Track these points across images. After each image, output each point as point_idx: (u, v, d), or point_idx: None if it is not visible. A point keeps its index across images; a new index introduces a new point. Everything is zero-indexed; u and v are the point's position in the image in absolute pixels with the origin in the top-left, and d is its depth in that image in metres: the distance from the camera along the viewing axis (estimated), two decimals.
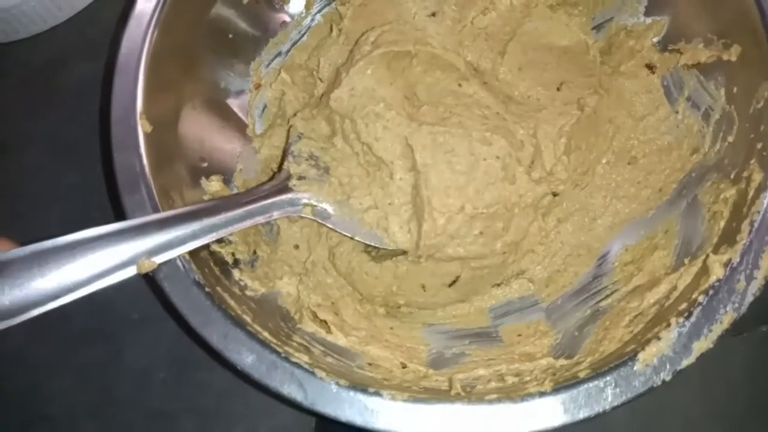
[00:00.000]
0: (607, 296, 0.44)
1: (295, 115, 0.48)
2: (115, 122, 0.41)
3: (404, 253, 0.44)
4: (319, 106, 0.47)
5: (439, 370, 0.42)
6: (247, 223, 0.41)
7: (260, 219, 0.42)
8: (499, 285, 0.48)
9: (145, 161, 0.40)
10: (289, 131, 0.47)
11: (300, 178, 0.44)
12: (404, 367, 0.43)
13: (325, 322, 0.44)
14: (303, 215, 0.44)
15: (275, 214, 0.42)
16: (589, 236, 0.48)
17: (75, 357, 0.51)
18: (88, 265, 0.34)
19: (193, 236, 0.38)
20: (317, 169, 0.45)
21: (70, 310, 0.50)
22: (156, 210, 0.39)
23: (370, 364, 0.42)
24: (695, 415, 0.47)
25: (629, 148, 0.48)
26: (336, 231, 0.45)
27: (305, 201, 0.44)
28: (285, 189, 0.43)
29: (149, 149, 0.41)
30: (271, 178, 0.46)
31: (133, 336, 0.51)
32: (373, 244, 0.44)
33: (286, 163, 0.45)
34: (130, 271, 0.36)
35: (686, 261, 0.40)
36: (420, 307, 0.47)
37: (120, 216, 0.39)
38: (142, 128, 0.40)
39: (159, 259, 0.36)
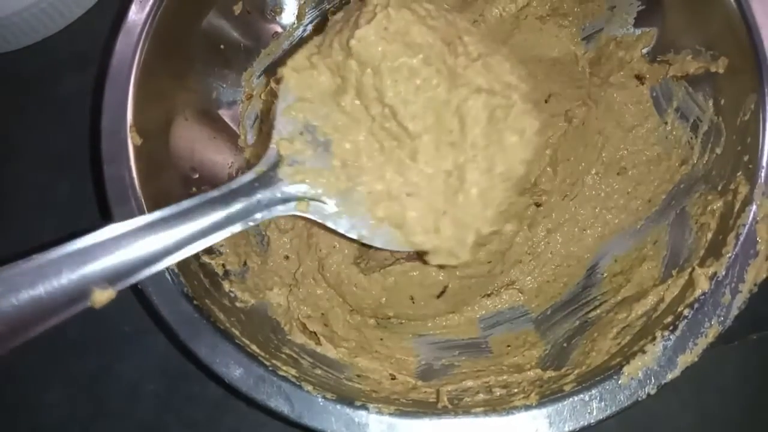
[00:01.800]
0: (596, 307, 0.44)
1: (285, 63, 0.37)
2: (105, 134, 0.41)
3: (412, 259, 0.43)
4: (320, 51, 0.36)
5: (428, 381, 0.42)
6: (224, 234, 0.34)
7: (238, 228, 0.34)
8: (489, 295, 0.48)
9: (134, 173, 0.40)
10: (269, 92, 0.38)
11: (292, 163, 0.34)
12: (393, 378, 0.43)
13: (315, 333, 0.44)
14: (297, 213, 0.36)
15: (259, 217, 0.34)
16: (578, 247, 0.48)
17: (66, 369, 0.51)
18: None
19: (159, 255, 0.31)
20: (314, 146, 0.35)
21: (61, 321, 0.51)
22: None
23: (359, 376, 0.42)
24: (687, 424, 0.48)
25: (619, 158, 0.48)
26: (337, 233, 0.37)
27: (300, 195, 0.35)
28: (273, 180, 0.35)
29: (139, 161, 0.41)
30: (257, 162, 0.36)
31: (125, 348, 0.51)
32: (383, 247, 0.36)
33: (273, 140, 0.35)
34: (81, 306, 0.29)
35: (674, 273, 0.41)
36: (409, 318, 0.47)
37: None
38: (132, 141, 0.40)
39: (118, 286, 0.30)
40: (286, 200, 0.35)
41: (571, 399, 0.35)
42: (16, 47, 0.58)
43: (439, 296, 0.45)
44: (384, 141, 0.35)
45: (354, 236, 0.36)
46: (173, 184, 0.45)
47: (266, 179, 0.35)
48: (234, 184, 0.35)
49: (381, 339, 0.46)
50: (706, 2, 0.42)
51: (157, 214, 0.33)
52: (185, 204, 0.34)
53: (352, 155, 0.35)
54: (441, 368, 0.44)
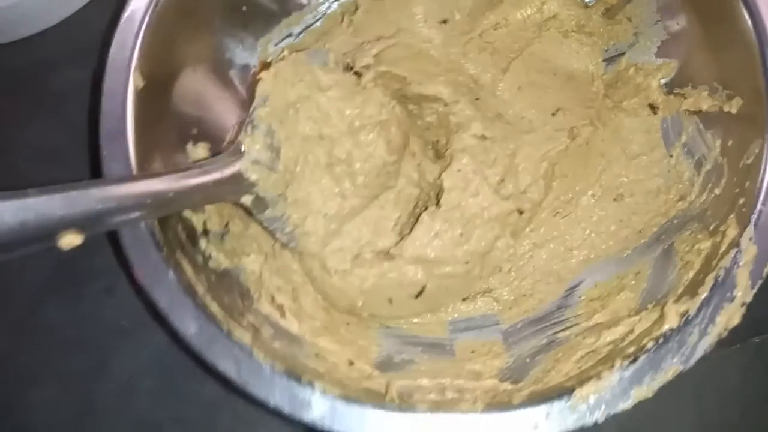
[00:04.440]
0: (567, 328, 0.44)
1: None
2: (109, 70, 0.41)
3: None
4: (297, 70, 0.41)
5: (385, 372, 0.42)
6: (175, 208, 0.37)
7: (183, 208, 0.38)
8: (465, 299, 0.48)
9: (129, 114, 0.40)
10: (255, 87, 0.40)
11: (255, 162, 0.38)
12: (351, 364, 0.43)
13: (282, 306, 0.44)
14: (241, 202, 0.40)
15: (221, 195, 0.38)
16: (562, 266, 0.47)
17: (58, 366, 0.50)
18: None
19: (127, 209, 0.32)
20: (270, 151, 0.39)
21: (54, 316, 0.50)
22: (130, 161, 0.39)
23: (317, 355, 0.42)
24: (687, 427, 0.47)
25: (618, 185, 0.47)
26: (263, 227, 0.42)
27: (250, 189, 0.39)
28: (234, 174, 0.38)
29: (138, 103, 0.41)
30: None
31: (119, 344, 0.50)
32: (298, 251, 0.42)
33: (242, 134, 0.39)
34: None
35: (649, 306, 0.40)
36: (384, 317, 0.46)
37: (95, 166, 0.39)
38: (134, 81, 0.41)
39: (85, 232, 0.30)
40: (239, 186, 0.39)
41: (516, 412, 0.34)
42: (14, 39, 0.56)
43: (416, 296, 0.45)
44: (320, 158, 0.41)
45: (277, 235, 0.42)
46: (170, 134, 0.44)
47: (227, 169, 0.38)
48: (196, 168, 0.37)
49: (348, 324, 0.46)
50: (729, 42, 0.41)
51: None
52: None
53: (292, 164, 0.41)
54: (400, 362, 0.44)
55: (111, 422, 0.48)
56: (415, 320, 0.47)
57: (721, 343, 0.34)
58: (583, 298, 0.45)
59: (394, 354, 0.44)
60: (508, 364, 0.43)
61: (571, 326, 0.44)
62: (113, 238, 0.37)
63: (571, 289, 0.46)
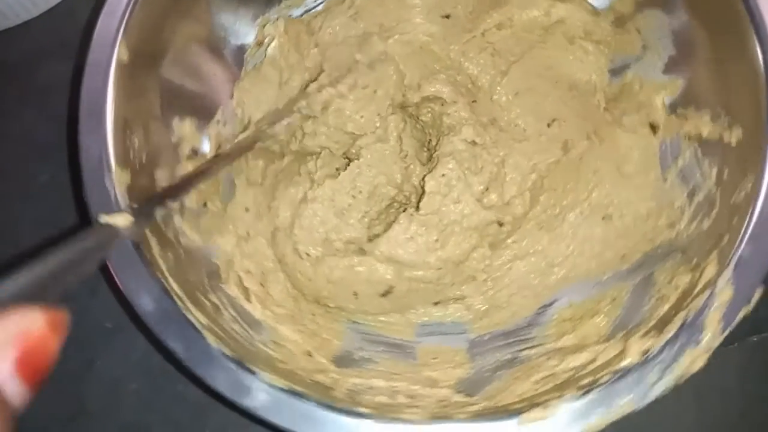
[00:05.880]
0: (533, 347, 0.42)
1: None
2: (94, 44, 0.40)
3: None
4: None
5: (341, 368, 0.42)
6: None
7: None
8: (437, 304, 0.47)
9: (111, 86, 0.40)
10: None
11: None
12: (309, 355, 0.42)
13: (248, 289, 0.44)
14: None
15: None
16: (540, 281, 0.46)
17: None
18: None
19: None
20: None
21: None
22: (106, 136, 0.39)
23: (275, 343, 0.42)
24: (686, 426, 0.46)
25: (607, 204, 0.46)
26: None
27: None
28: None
29: (123, 75, 0.40)
30: None
31: (106, 345, 0.49)
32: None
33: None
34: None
35: (618, 335, 0.38)
36: (350, 311, 0.46)
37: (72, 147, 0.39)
38: (118, 55, 0.40)
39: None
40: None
41: (460, 425, 0.34)
42: None
43: (383, 295, 0.44)
44: None
45: None
46: (154, 107, 0.44)
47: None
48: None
49: (313, 315, 0.45)
50: (737, 68, 0.38)
51: None
52: None
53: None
54: (359, 359, 0.43)
55: (101, 424, 0.48)
56: (383, 318, 0.46)
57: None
58: (555, 317, 0.44)
59: (355, 350, 0.44)
60: (467, 375, 0.42)
61: (538, 345, 0.43)
62: None
63: (545, 307, 0.45)
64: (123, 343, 0.49)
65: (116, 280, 0.37)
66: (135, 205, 0.38)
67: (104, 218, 0.31)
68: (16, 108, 0.55)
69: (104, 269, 0.37)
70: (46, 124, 0.54)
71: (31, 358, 0.22)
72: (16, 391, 0.20)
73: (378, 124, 0.44)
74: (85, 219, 0.37)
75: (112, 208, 0.38)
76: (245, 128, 0.47)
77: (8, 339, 0.21)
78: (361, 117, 0.44)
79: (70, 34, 0.54)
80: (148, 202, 0.35)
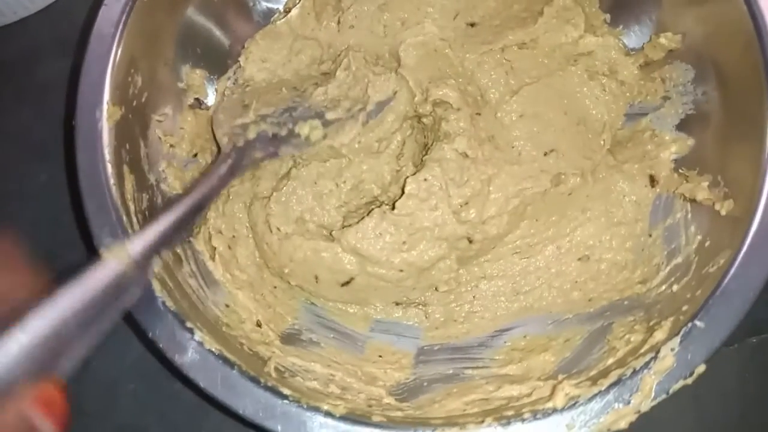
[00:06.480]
0: (477, 368, 0.42)
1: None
2: None
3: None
4: None
5: (285, 345, 0.42)
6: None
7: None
8: (398, 304, 0.47)
9: (125, 17, 0.40)
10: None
11: None
12: (258, 325, 0.43)
13: (215, 248, 0.44)
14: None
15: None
16: (502, 306, 0.46)
17: None
18: None
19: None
20: None
21: None
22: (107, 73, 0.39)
23: (227, 306, 0.42)
24: (686, 427, 0.46)
25: (588, 246, 0.45)
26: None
27: None
28: None
29: (141, 7, 0.40)
30: None
31: (102, 346, 0.47)
32: None
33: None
34: None
35: (559, 377, 0.38)
36: (310, 293, 0.46)
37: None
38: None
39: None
40: None
41: (371, 429, 0.34)
42: None
43: (344, 285, 0.44)
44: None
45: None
46: (167, 51, 0.45)
47: None
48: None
49: (275, 287, 0.46)
50: (744, 144, 0.37)
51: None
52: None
53: None
54: (306, 341, 0.43)
55: (97, 425, 0.47)
56: (341, 306, 0.46)
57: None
58: (507, 344, 0.44)
59: (304, 331, 0.44)
60: (406, 380, 0.42)
61: (483, 367, 0.42)
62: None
63: (501, 332, 0.45)
64: (119, 345, 0.48)
65: (86, 213, 0.37)
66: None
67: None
68: (13, 106, 0.54)
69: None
70: (45, 123, 0.53)
71: None
72: None
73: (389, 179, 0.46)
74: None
75: (98, 158, 0.38)
76: (243, 87, 0.47)
77: None
78: (369, 172, 0.46)
79: (67, 31, 0.52)
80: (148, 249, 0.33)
